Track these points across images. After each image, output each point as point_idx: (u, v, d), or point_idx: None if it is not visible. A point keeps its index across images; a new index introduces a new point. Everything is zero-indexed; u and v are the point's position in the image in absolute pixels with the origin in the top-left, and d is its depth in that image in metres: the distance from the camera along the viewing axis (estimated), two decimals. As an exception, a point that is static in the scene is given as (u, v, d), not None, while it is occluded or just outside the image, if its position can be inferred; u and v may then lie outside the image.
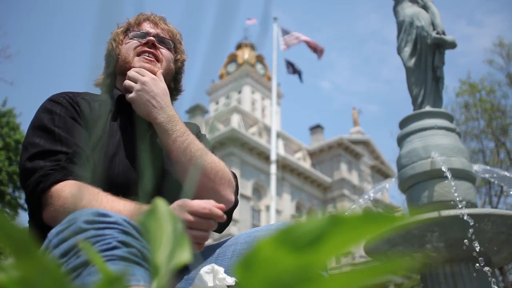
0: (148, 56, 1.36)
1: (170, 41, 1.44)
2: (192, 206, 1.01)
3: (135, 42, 1.39)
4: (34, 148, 1.16)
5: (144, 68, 1.34)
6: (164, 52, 1.40)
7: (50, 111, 1.23)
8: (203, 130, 1.55)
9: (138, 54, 1.37)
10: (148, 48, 1.37)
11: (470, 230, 2.90)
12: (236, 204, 1.33)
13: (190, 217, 0.99)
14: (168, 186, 1.25)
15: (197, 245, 1.02)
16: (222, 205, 1.03)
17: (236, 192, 1.34)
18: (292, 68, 16.40)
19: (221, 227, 1.26)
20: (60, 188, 1.09)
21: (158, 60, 1.38)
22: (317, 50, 15.72)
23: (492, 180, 3.98)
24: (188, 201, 1.02)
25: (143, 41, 1.38)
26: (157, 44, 1.39)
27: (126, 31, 1.43)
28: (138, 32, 1.41)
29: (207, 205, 1.01)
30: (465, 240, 2.97)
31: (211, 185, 1.21)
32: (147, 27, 1.43)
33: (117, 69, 1.40)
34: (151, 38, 1.38)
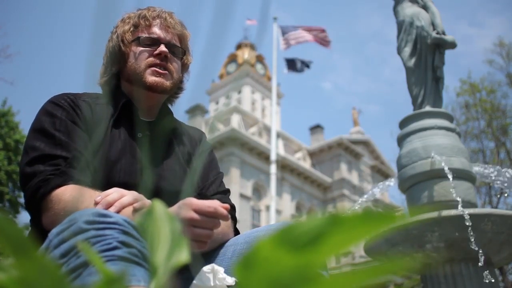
0: (159, 69, 1.32)
1: (181, 49, 1.40)
2: (197, 204, 1.01)
3: (145, 52, 1.33)
4: (34, 152, 1.15)
5: (156, 82, 1.30)
6: (174, 63, 1.36)
7: (51, 114, 1.22)
8: (203, 130, 1.54)
9: (149, 66, 1.32)
10: (161, 60, 1.32)
11: (470, 230, 2.90)
12: (237, 232, 1.35)
13: (195, 215, 1.00)
14: (167, 190, 1.25)
15: (201, 243, 1.02)
16: (226, 205, 1.04)
17: (236, 223, 1.36)
18: (293, 65, 16.01)
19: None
20: (61, 192, 1.09)
21: (169, 71, 1.34)
22: (323, 42, 15.17)
23: (496, 184, 3.98)
24: (193, 200, 1.03)
25: (155, 51, 1.32)
26: (169, 56, 1.34)
27: (134, 29, 1.36)
28: (149, 38, 1.34)
29: (212, 204, 1.02)
30: (465, 240, 2.97)
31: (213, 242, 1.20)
32: (158, 30, 1.36)
33: (123, 73, 1.36)
34: (164, 50, 1.32)
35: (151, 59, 1.32)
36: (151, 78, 1.31)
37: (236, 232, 1.34)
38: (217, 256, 1.21)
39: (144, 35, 1.35)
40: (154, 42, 1.34)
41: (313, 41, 14.93)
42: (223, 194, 1.39)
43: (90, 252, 0.53)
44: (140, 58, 1.33)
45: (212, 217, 1.01)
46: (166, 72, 1.33)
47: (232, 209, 1.34)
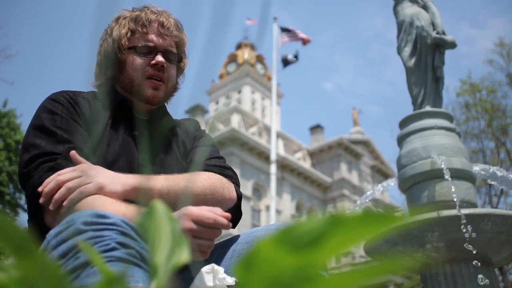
0: (156, 80, 1.32)
1: (177, 55, 1.39)
2: (197, 215, 1.00)
3: (142, 62, 1.32)
4: (35, 150, 1.15)
5: (152, 96, 1.31)
6: (170, 71, 1.35)
7: (51, 111, 1.22)
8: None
9: (146, 77, 1.31)
10: (158, 71, 1.32)
11: (470, 230, 2.89)
12: (240, 197, 1.33)
13: (194, 226, 0.99)
14: None
15: (201, 253, 1.02)
16: (227, 214, 1.03)
17: (238, 186, 1.34)
18: (286, 60, 16.44)
19: (234, 221, 1.27)
20: None
21: (164, 81, 1.34)
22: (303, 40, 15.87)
23: (494, 183, 3.98)
24: (192, 210, 1.01)
25: (152, 60, 1.31)
26: (165, 65, 1.33)
27: (131, 34, 1.34)
28: (146, 47, 1.33)
29: (212, 214, 1.00)
30: (465, 240, 2.97)
31: (210, 203, 1.15)
32: (154, 38, 1.34)
33: (119, 79, 1.35)
34: (161, 60, 1.31)
35: (148, 69, 1.32)
36: (147, 92, 1.31)
37: (239, 195, 1.32)
38: (217, 256, 1.21)
39: (141, 43, 1.33)
40: (151, 50, 1.33)
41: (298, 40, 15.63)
42: (217, 158, 1.36)
43: (91, 252, 0.53)
44: (137, 69, 1.32)
45: (212, 228, 1.01)
46: (161, 83, 1.33)
47: (226, 169, 1.33)
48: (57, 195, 1.04)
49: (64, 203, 1.04)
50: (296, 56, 16.55)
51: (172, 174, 1.17)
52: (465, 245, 2.89)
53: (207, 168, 1.28)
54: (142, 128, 1.33)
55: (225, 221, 1.01)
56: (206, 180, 1.21)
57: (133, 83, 1.32)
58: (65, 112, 1.22)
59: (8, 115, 15.27)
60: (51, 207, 1.04)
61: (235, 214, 1.31)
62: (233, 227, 1.26)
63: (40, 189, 1.07)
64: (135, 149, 1.27)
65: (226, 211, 1.06)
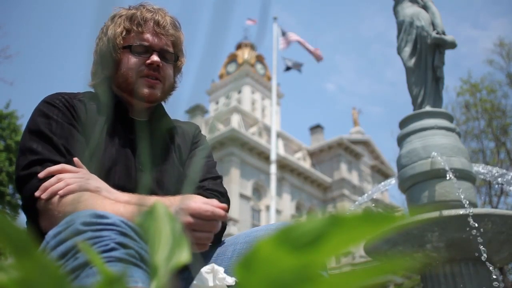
0: (151, 79, 1.30)
1: (173, 55, 1.37)
2: (194, 209, 1.01)
3: (137, 61, 1.30)
4: (31, 155, 1.14)
5: (147, 94, 1.29)
6: (166, 70, 1.34)
7: (46, 115, 1.21)
8: (203, 130, 1.52)
9: (141, 76, 1.30)
10: (153, 70, 1.30)
11: (470, 230, 2.89)
12: (224, 227, 1.21)
13: (193, 220, 1.00)
14: (162, 190, 1.24)
15: (201, 246, 1.02)
16: (224, 205, 1.03)
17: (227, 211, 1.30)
18: (289, 64, 16.30)
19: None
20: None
21: (160, 80, 1.32)
22: (314, 53, 15.79)
23: (494, 181, 3.97)
24: (190, 203, 1.02)
25: (148, 60, 1.30)
26: (161, 65, 1.31)
27: (126, 33, 1.32)
28: (141, 46, 1.31)
29: (209, 207, 1.01)
30: (465, 240, 2.97)
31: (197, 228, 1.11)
32: (150, 37, 1.32)
33: (115, 79, 1.34)
34: (156, 59, 1.29)
35: (143, 69, 1.30)
36: (142, 90, 1.30)
37: (223, 226, 1.27)
38: (217, 256, 1.21)
39: (136, 42, 1.31)
40: (146, 50, 1.32)
41: (309, 51, 15.48)
42: (213, 180, 1.33)
43: (90, 252, 0.53)
44: (132, 68, 1.30)
45: (210, 220, 1.01)
46: (157, 81, 1.31)
47: (222, 195, 1.29)
48: (55, 186, 1.06)
49: (60, 192, 1.05)
50: (299, 68, 16.41)
51: (165, 197, 1.14)
52: (473, 244, 2.87)
53: (200, 192, 1.23)
54: (140, 130, 1.32)
55: (222, 212, 1.02)
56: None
57: (128, 81, 1.30)
58: (60, 116, 1.21)
59: (9, 116, 15.29)
60: (44, 195, 1.06)
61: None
62: (215, 243, 1.18)
63: (41, 175, 1.09)
64: (132, 153, 1.26)
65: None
